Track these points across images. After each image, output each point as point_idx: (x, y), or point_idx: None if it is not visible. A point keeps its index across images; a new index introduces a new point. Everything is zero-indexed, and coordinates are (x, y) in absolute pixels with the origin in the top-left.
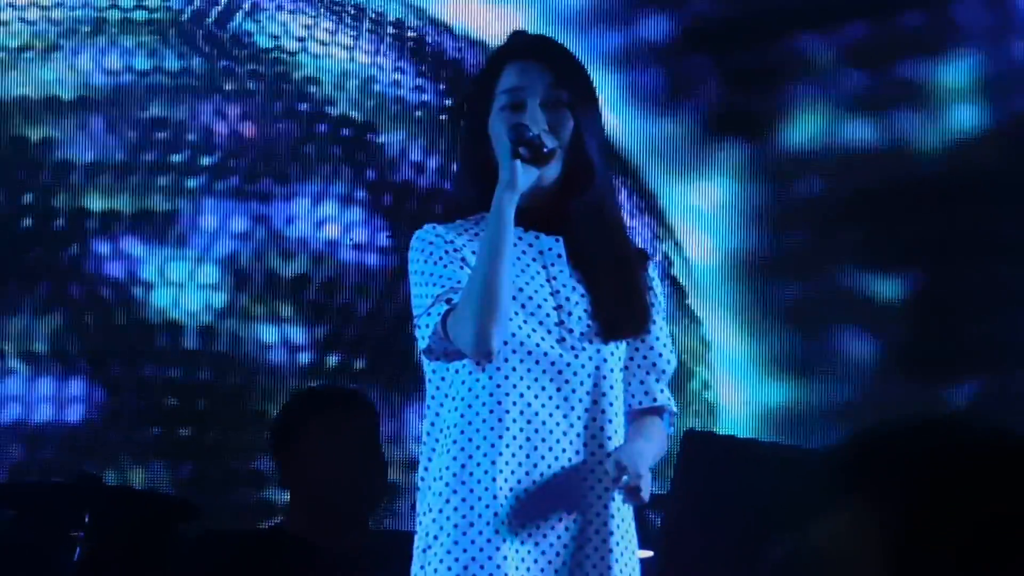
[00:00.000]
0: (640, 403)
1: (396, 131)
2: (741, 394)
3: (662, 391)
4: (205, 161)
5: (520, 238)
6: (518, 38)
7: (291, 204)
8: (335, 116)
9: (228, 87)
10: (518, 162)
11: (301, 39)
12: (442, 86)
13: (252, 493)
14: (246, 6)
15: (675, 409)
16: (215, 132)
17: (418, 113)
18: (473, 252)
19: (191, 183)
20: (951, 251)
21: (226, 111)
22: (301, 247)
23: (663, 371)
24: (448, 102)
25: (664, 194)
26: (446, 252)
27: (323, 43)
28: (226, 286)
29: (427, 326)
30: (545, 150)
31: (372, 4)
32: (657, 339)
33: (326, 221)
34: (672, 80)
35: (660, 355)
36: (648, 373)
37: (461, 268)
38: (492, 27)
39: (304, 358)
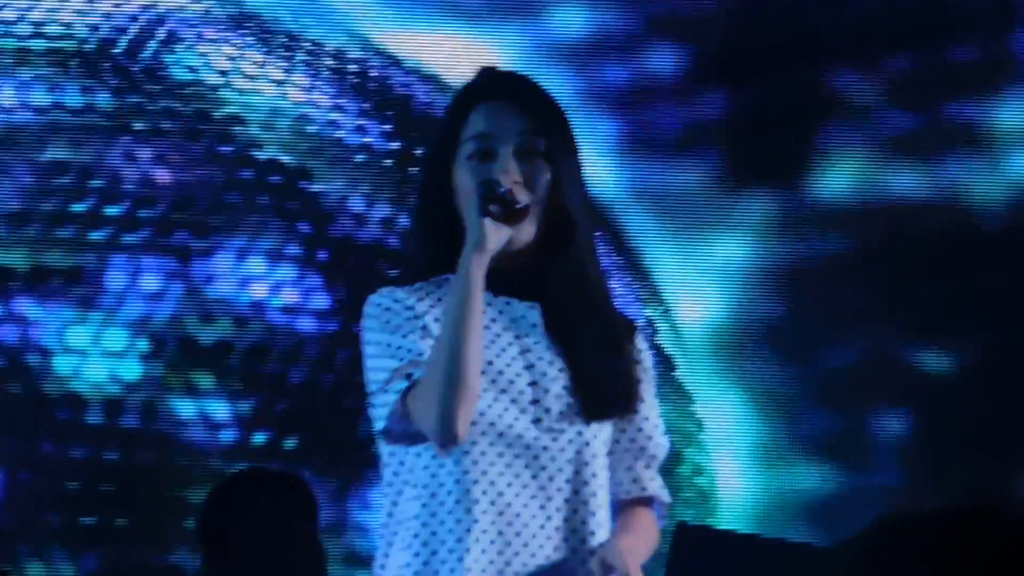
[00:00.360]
0: (628, 492)
1: (333, 178)
2: (740, 481)
3: (652, 479)
4: (112, 211)
5: (490, 304)
6: (488, 76)
7: (211, 260)
8: (262, 160)
9: (139, 126)
10: (488, 220)
11: (224, 72)
12: (387, 127)
13: None
14: (160, 34)
15: (667, 499)
16: (123, 178)
17: (359, 157)
18: (436, 320)
19: (96, 236)
20: (1012, 318)
21: (136, 153)
22: (223, 309)
23: (653, 456)
24: (395, 145)
25: (652, 251)
26: (406, 320)
27: (250, 76)
28: (136, 354)
29: (384, 405)
30: (518, 206)
31: (308, 32)
32: (646, 419)
33: (252, 280)
34: (677, 119)
35: (650, 437)
36: (636, 458)
37: (423, 338)
38: (453, 61)
39: (226, 436)
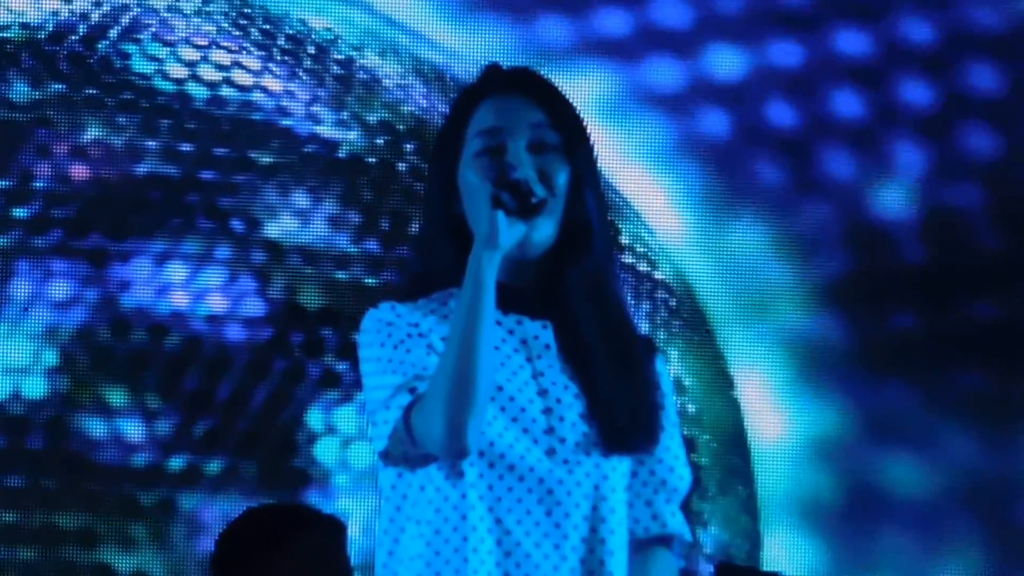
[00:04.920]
0: (647, 530)
1: (276, 171)
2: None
3: (673, 514)
4: (19, 212)
5: (499, 323)
6: (494, 70)
7: (129, 264)
8: (194, 153)
9: (56, 117)
10: (500, 213)
11: (158, 58)
12: (344, 114)
13: None
14: (95, 19)
15: (690, 538)
16: (34, 175)
17: (309, 148)
18: (442, 338)
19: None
20: None
21: (52, 148)
22: (140, 318)
23: (675, 489)
24: (353, 134)
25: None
26: (408, 335)
27: (188, 62)
28: (42, 368)
29: (386, 423)
30: (534, 199)
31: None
32: (667, 449)
33: (173, 285)
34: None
35: (672, 469)
36: (656, 492)
37: (427, 354)
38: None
39: (140, 458)
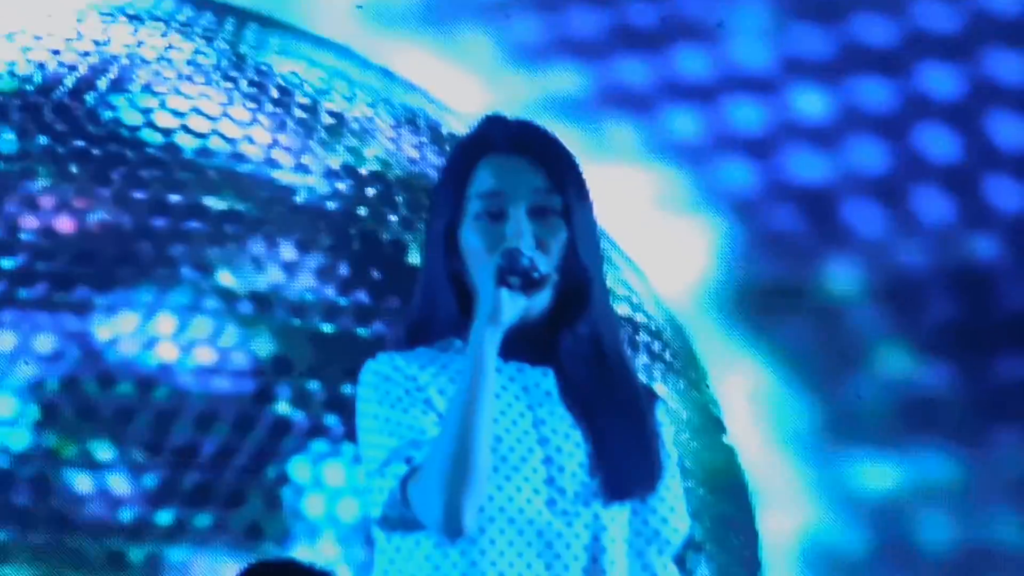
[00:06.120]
0: None
1: (264, 222)
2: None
3: (665, 566)
4: (5, 263)
5: (499, 370)
6: (494, 125)
7: (115, 316)
8: (181, 204)
9: (42, 170)
10: (504, 290)
11: (147, 109)
12: (335, 165)
13: None
14: (112, 72)
15: None
16: (20, 227)
17: (297, 198)
18: (440, 392)
19: None
20: None
21: (38, 201)
22: (126, 371)
23: (667, 541)
24: (343, 185)
25: None
26: (406, 392)
27: (178, 112)
28: (27, 421)
29: (381, 491)
30: (537, 275)
31: (259, 55)
32: (662, 500)
33: (160, 338)
34: None
35: (665, 520)
36: (648, 543)
37: (424, 413)
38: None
39: (127, 514)
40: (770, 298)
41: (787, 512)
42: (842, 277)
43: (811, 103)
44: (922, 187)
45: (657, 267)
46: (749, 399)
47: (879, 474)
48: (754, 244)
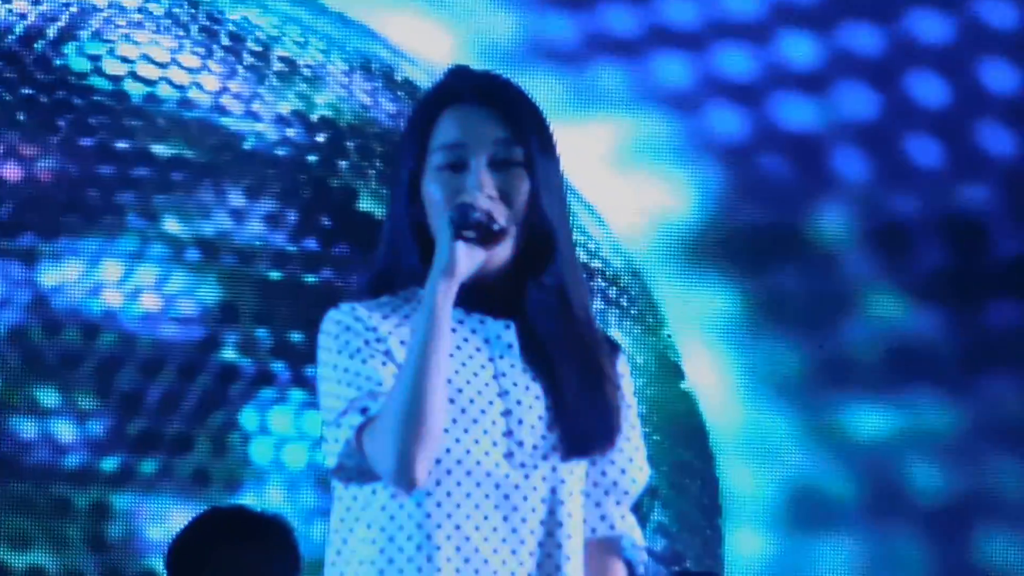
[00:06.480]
0: (594, 531)
1: (213, 169)
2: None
3: (623, 516)
4: None
5: (461, 322)
6: (458, 76)
7: (61, 264)
8: (128, 151)
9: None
10: (460, 243)
11: (95, 56)
12: (285, 111)
13: None
14: (62, 20)
15: (640, 540)
16: None
17: (247, 145)
18: (402, 342)
19: None
20: None
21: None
22: (72, 318)
23: (626, 492)
24: (292, 131)
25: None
26: (366, 343)
27: (127, 58)
28: None
29: (336, 440)
30: (495, 227)
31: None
32: (620, 451)
33: (106, 285)
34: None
35: (623, 471)
36: (607, 493)
37: (384, 364)
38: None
39: (73, 460)
40: (760, 243)
41: (759, 462)
42: (833, 223)
43: (800, 50)
44: (913, 133)
45: (626, 212)
46: (717, 346)
47: (870, 421)
48: (743, 190)
